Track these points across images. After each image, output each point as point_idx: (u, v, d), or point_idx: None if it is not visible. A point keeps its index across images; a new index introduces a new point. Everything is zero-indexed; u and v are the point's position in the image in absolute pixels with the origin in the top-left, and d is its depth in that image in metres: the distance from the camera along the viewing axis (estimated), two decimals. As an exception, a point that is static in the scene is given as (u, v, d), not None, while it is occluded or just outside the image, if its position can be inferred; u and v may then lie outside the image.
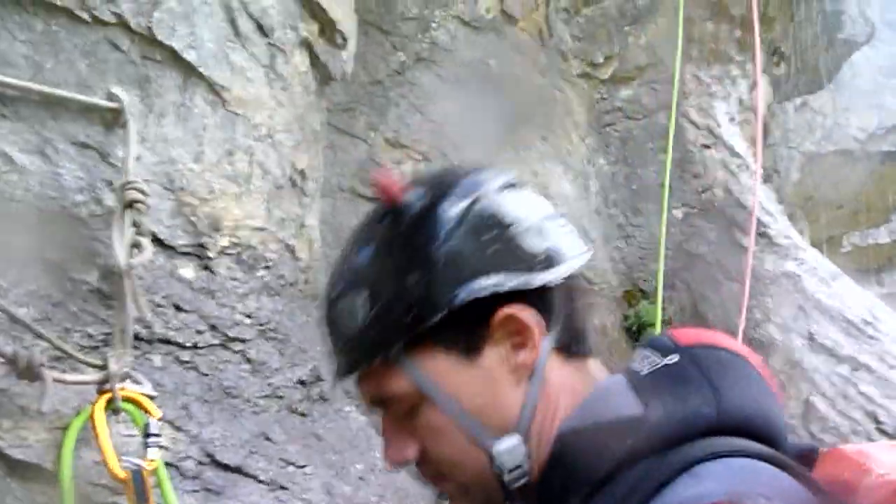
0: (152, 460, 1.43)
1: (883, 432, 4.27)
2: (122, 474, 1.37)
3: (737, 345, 0.88)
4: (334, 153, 4.34)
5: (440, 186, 0.88)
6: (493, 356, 0.85)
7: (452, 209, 0.85)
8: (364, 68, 4.36)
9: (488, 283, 0.82)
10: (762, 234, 4.98)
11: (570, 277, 0.88)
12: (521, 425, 0.84)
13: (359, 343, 0.85)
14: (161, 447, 1.43)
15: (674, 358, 0.84)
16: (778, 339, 4.52)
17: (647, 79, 5.51)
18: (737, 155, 5.43)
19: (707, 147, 5.27)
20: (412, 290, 0.82)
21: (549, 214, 0.90)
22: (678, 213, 5.00)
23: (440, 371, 0.84)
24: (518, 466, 0.83)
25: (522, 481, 0.84)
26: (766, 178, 6.78)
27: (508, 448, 0.83)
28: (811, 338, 4.60)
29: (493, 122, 4.78)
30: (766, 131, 7.40)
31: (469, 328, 0.84)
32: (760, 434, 0.80)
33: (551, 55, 5.16)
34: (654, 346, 0.88)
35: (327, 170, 4.27)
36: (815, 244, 6.53)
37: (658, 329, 4.25)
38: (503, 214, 0.85)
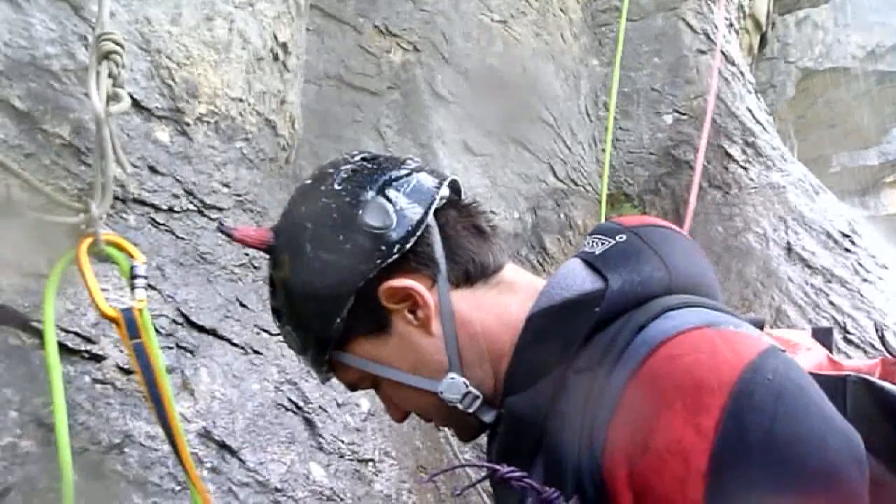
0: (141, 300, 1.45)
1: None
2: (111, 312, 1.38)
3: (672, 225, 1.00)
4: (321, 39, 4.23)
5: (293, 227, 1.03)
6: (401, 323, 0.99)
7: (307, 245, 0.99)
8: (355, -50, 4.21)
9: (357, 277, 0.95)
10: (750, 144, 4.96)
11: (437, 216, 0.99)
12: (452, 362, 0.98)
13: (310, 360, 1.05)
14: (144, 289, 1.44)
15: (623, 237, 0.95)
16: (756, 247, 4.57)
17: (647, -22, 5.35)
18: (732, 62, 5.34)
19: (702, 52, 5.17)
20: (314, 318, 0.99)
21: (388, 179, 0.99)
22: (668, 119, 4.96)
23: (369, 352, 1.00)
24: (465, 394, 0.97)
25: (478, 402, 0.98)
26: (762, 91, 6.70)
27: (447, 386, 0.98)
28: (789, 248, 4.66)
29: (485, 15, 4.65)
30: (764, 43, 7.26)
31: (369, 313, 0.98)
32: (702, 294, 0.90)
33: (549, -52, 4.99)
34: (602, 231, 0.99)
35: (314, 56, 4.18)
36: (805, 162, 6.52)
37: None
38: (345, 218, 0.97)
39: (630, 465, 0.73)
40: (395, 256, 0.95)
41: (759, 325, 0.96)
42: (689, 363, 0.75)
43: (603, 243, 0.96)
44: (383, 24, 4.42)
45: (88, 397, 1.49)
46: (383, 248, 0.95)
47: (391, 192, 0.98)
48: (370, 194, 0.96)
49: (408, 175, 0.99)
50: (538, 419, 0.87)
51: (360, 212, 0.95)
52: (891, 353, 0.96)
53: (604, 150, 4.79)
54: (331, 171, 1.01)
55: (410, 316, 0.98)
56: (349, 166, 1.01)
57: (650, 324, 0.82)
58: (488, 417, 0.98)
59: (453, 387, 0.97)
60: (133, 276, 1.44)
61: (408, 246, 0.96)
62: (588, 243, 0.99)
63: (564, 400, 0.84)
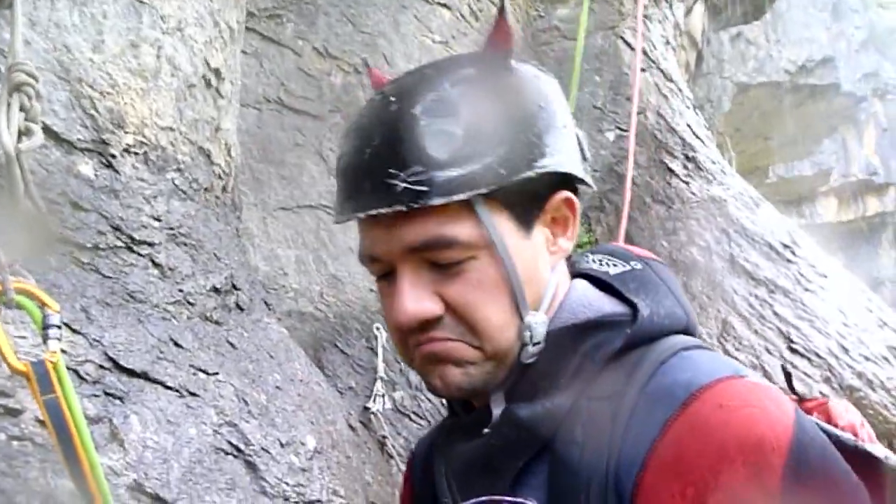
0: (54, 352, 1.34)
1: (794, 351, 4.45)
2: (20, 366, 1.27)
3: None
4: (259, 62, 4.15)
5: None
6: (540, 235, 0.87)
7: (548, 86, 0.90)
8: (291, -29, 4.15)
9: (554, 162, 0.85)
10: (690, 159, 5.03)
11: None
12: (543, 306, 0.87)
13: (442, 175, 0.78)
14: (59, 339, 1.33)
15: (638, 265, 0.92)
16: (700, 261, 4.62)
17: (585, -2, 5.41)
18: (670, 79, 5.43)
19: (641, 70, 5.24)
20: (504, 143, 0.81)
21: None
22: (610, 136, 5.00)
23: (504, 231, 0.83)
24: (539, 343, 0.85)
25: (532, 359, 0.86)
26: (699, 107, 6.83)
27: (540, 322, 0.85)
28: (732, 261, 4.72)
29: (426, 36, 4.63)
30: (700, 59, 7.42)
31: (529, 201, 0.85)
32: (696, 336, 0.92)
33: (489, -32, 5.00)
34: (612, 253, 0.96)
35: (252, 79, 4.10)
36: (743, 174, 6.66)
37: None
38: (561, 105, 0.90)
39: None
40: (582, 176, 0.91)
41: None
42: (744, 418, 0.75)
43: (615, 265, 0.93)
44: (323, 46, 4.36)
45: (4, 456, 1.37)
46: (578, 161, 0.92)
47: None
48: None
49: None
50: (544, 435, 0.83)
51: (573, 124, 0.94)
52: (797, 395, 0.97)
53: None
54: None
55: (549, 237, 0.88)
56: None
57: (669, 360, 0.82)
58: (496, 398, 0.87)
59: (541, 327, 0.85)
60: (46, 327, 1.33)
61: (589, 183, 0.94)
62: (594, 261, 0.94)
63: (579, 423, 0.81)
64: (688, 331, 0.89)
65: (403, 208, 0.78)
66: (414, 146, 0.78)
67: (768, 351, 4.45)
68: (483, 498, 0.84)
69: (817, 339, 4.36)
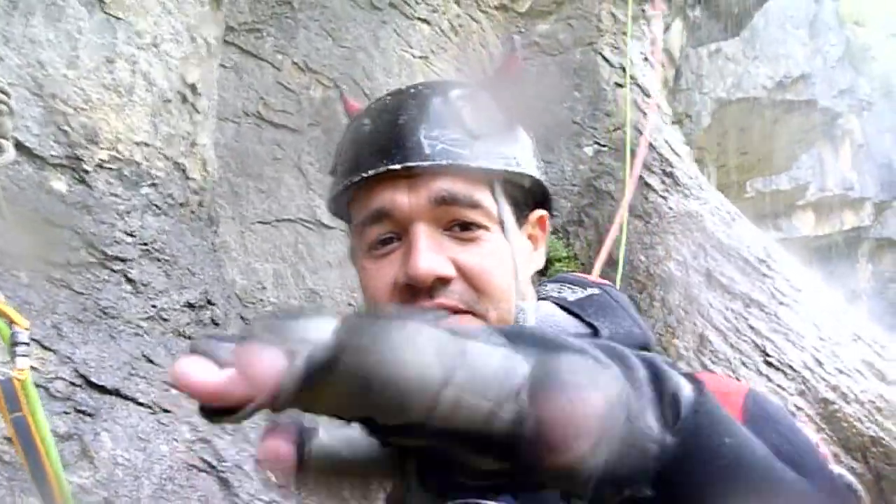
0: (22, 370, 1.33)
1: (769, 364, 4.49)
2: None
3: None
4: (239, 76, 4.15)
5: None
6: (523, 239, 0.91)
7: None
8: (271, -14, 4.16)
9: (543, 179, 0.90)
10: (668, 174, 5.08)
11: None
12: (524, 305, 0.89)
13: (477, 146, 0.84)
14: (27, 356, 1.32)
15: (595, 290, 0.94)
16: (677, 275, 4.66)
17: (565, 14, 5.47)
18: (648, 95, 5.49)
19: (620, 86, 5.30)
20: (519, 143, 0.89)
21: None
22: (588, 151, 5.04)
23: (509, 221, 0.87)
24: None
25: None
26: (678, 122, 6.91)
27: (530, 309, 0.88)
28: (709, 275, 4.76)
29: (405, 51, 4.66)
30: (679, 75, 7.51)
31: (523, 204, 0.90)
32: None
33: (469, -15, 5.05)
34: (569, 281, 0.97)
35: (231, 93, 4.10)
36: (722, 188, 6.73)
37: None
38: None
39: None
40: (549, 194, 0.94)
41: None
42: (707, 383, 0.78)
43: (574, 292, 0.95)
44: (303, 60, 4.37)
45: (-29, 474, 1.37)
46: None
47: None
48: None
49: None
50: None
51: None
52: None
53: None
54: None
55: (529, 244, 0.92)
56: None
57: None
58: None
59: (531, 315, 0.88)
60: (14, 344, 1.33)
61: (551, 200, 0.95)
62: (554, 289, 0.96)
63: None
64: (646, 348, 0.89)
65: (444, 162, 0.83)
66: (453, 116, 0.85)
67: (744, 364, 4.49)
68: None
69: (792, 353, 4.40)
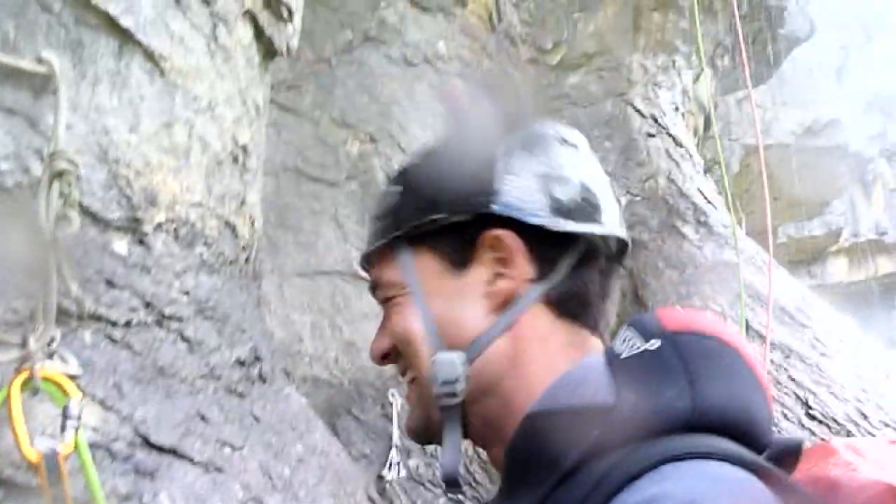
0: (68, 444, 1.36)
1: (812, 417, 4.40)
2: (33, 457, 1.29)
3: (729, 333, 0.80)
4: (278, 131, 4.25)
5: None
6: (476, 276, 0.86)
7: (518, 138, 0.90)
8: (311, 45, 4.28)
9: (490, 203, 0.85)
10: (702, 223, 5.07)
11: (594, 250, 0.88)
12: (471, 349, 0.84)
13: (379, 226, 0.92)
14: (76, 429, 1.35)
15: (655, 343, 0.77)
16: (715, 325, 4.61)
17: (595, 66, 5.55)
18: (680, 144, 5.52)
19: (651, 136, 5.33)
20: (425, 190, 0.88)
21: (601, 180, 0.93)
22: (622, 201, 5.06)
23: (426, 271, 0.88)
24: (450, 382, 0.83)
25: (452, 401, 0.84)
26: (708, 170, 6.92)
27: (448, 360, 0.83)
28: (747, 325, 4.71)
29: (439, 105, 4.74)
30: (709, 123, 7.55)
31: (463, 241, 0.87)
32: (740, 432, 0.74)
33: (500, 40, 5.15)
34: (638, 327, 0.80)
35: (271, 148, 4.19)
36: (753, 235, 6.70)
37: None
38: (547, 157, 0.89)
39: None
40: (533, 223, 0.83)
41: (798, 447, 0.79)
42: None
43: (632, 345, 0.78)
44: (340, 115, 4.47)
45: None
46: (538, 211, 0.84)
47: (599, 190, 0.91)
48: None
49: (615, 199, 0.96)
50: None
51: (554, 171, 0.91)
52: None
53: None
54: None
55: (489, 278, 0.85)
56: None
57: (645, 475, 0.66)
58: (450, 435, 0.85)
59: (451, 365, 0.83)
60: (65, 416, 1.35)
61: (552, 227, 0.84)
62: (623, 337, 0.81)
63: None
64: (692, 425, 0.72)
65: (364, 254, 0.95)
66: (378, 201, 0.95)
67: (786, 417, 4.40)
68: None
69: (835, 405, 4.31)
